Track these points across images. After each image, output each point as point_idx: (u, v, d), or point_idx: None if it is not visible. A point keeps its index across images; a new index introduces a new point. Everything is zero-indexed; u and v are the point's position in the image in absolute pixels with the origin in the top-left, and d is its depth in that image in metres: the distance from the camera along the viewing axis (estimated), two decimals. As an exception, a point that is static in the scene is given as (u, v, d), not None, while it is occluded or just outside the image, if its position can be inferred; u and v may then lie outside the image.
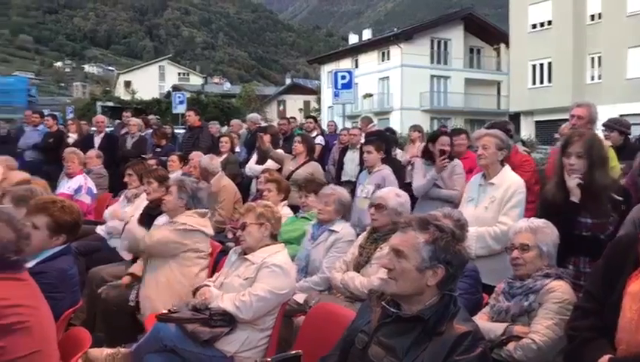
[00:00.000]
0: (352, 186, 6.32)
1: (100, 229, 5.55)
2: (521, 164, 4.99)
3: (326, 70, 40.42)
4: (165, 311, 3.29)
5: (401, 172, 6.28)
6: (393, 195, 3.88)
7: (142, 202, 5.26)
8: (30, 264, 2.62)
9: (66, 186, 6.51)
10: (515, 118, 28.38)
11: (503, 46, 36.66)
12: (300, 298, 3.76)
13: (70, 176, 6.64)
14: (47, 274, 2.85)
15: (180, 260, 4.01)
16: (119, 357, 3.36)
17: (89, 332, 2.63)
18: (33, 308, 2.21)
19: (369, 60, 38.34)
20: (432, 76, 36.89)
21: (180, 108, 16.78)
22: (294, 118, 14.71)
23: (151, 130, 10.81)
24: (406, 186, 5.55)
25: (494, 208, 3.93)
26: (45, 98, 52.39)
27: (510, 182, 3.97)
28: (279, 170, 6.78)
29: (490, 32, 38.34)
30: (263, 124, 11.04)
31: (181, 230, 4.01)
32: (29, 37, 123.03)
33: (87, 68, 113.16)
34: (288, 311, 3.56)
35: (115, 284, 4.32)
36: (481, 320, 2.87)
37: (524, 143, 9.99)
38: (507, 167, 4.09)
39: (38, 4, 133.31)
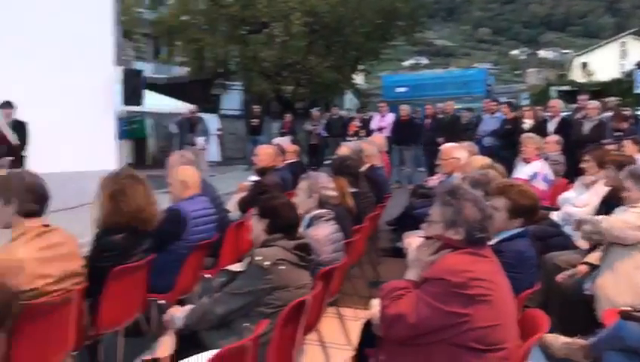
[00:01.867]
0: None
1: (554, 215, 5.50)
2: None
3: None
4: (628, 308, 3.04)
5: None
6: None
7: (600, 189, 4.99)
8: (490, 242, 2.77)
9: (521, 171, 6.67)
10: None
11: None
12: None
13: (526, 161, 6.78)
14: (505, 253, 2.97)
15: None
16: (575, 348, 3.27)
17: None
18: (494, 283, 2.31)
19: None
20: None
21: (644, 87, 15.14)
22: None
23: (609, 114, 10.19)
24: None
25: None
26: (501, 86, 54.97)
27: None
28: None
29: None
30: None
31: None
32: (488, 29, 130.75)
33: (542, 53, 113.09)
34: None
35: (572, 272, 4.21)
36: None
37: None
38: None
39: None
